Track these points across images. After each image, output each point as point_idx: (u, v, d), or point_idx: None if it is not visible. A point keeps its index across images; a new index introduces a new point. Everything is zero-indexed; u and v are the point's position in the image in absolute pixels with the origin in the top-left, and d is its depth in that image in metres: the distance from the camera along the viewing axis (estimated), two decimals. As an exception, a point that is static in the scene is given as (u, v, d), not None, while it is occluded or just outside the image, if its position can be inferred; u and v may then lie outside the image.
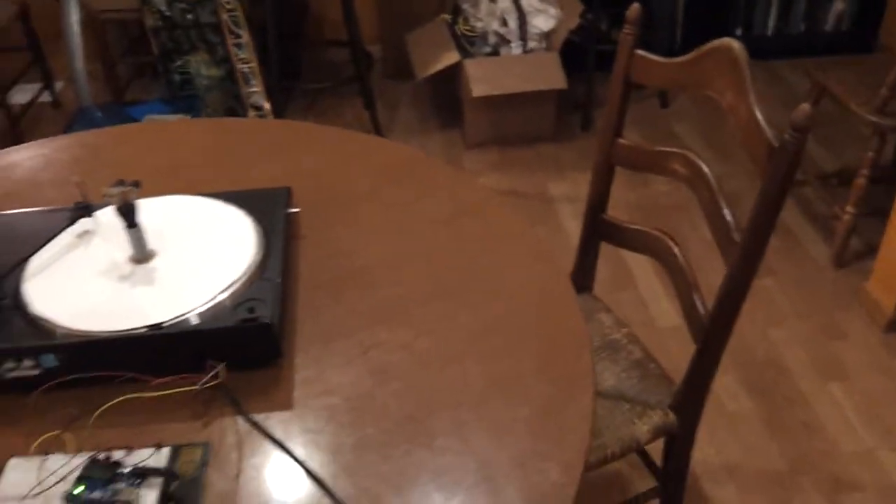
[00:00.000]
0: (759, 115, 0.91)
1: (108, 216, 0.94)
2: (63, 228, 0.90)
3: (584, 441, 0.71)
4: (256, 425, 0.74)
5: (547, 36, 2.53)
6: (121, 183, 0.84)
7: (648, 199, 2.41)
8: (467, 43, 2.60)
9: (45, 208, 0.97)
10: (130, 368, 0.76)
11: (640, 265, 2.13)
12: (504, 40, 2.54)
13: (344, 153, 1.17)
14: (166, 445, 0.71)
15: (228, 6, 2.38)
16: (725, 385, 1.78)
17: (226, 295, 0.82)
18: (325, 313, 0.87)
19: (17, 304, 0.83)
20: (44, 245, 0.89)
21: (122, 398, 0.74)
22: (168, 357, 0.77)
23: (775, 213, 0.90)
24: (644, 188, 2.46)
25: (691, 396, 1.07)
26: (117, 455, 0.70)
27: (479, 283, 0.91)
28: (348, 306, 0.88)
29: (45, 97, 2.98)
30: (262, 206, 0.96)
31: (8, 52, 2.75)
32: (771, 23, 3.17)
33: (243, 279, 0.84)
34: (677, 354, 1.75)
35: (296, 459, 0.71)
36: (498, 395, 0.77)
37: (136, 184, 0.84)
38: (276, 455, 0.72)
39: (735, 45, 0.96)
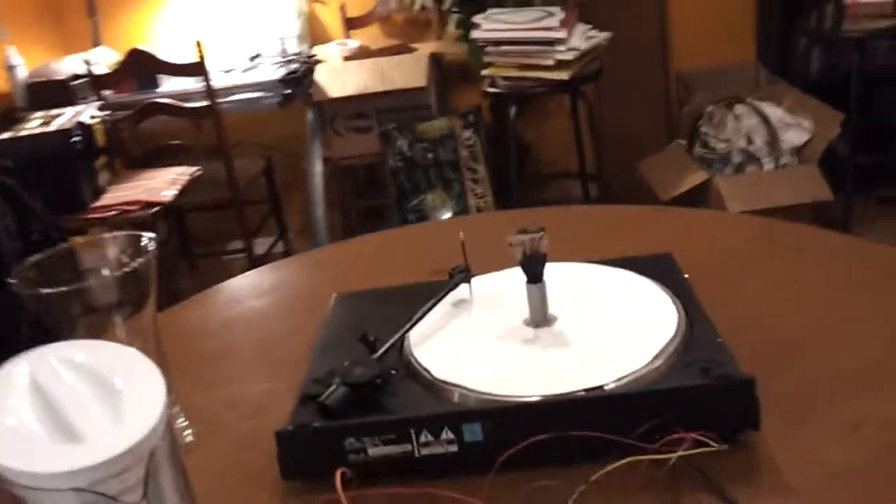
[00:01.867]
0: None
1: (481, 284, 0.83)
2: (446, 292, 0.80)
3: None
4: (755, 515, 0.56)
5: (799, 150, 2.36)
6: (525, 231, 0.73)
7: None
8: (706, 165, 2.47)
9: (412, 282, 0.88)
10: (566, 440, 0.61)
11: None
12: (752, 158, 2.40)
13: (689, 231, 1.04)
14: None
15: (468, 143, 2.40)
16: None
17: (667, 355, 0.67)
18: (770, 385, 0.69)
19: (412, 373, 0.71)
20: (427, 311, 0.78)
21: (611, 468, 0.57)
22: (613, 426, 0.61)
23: None
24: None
25: None
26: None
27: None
28: (795, 377, 0.70)
29: (279, 247, 3.10)
30: (652, 270, 0.82)
31: (253, 205, 2.90)
32: None
33: (678, 339, 0.69)
34: None
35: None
36: None
37: (543, 229, 0.72)
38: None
39: None
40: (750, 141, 2.40)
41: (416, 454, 0.64)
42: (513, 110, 2.23)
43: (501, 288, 0.83)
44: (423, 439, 0.63)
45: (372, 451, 0.64)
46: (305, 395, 0.70)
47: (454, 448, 0.63)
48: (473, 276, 0.82)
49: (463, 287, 0.83)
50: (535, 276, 0.73)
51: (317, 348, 0.79)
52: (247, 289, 1.09)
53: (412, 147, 2.43)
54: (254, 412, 0.79)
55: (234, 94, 2.54)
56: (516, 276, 0.84)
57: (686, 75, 2.86)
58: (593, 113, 2.34)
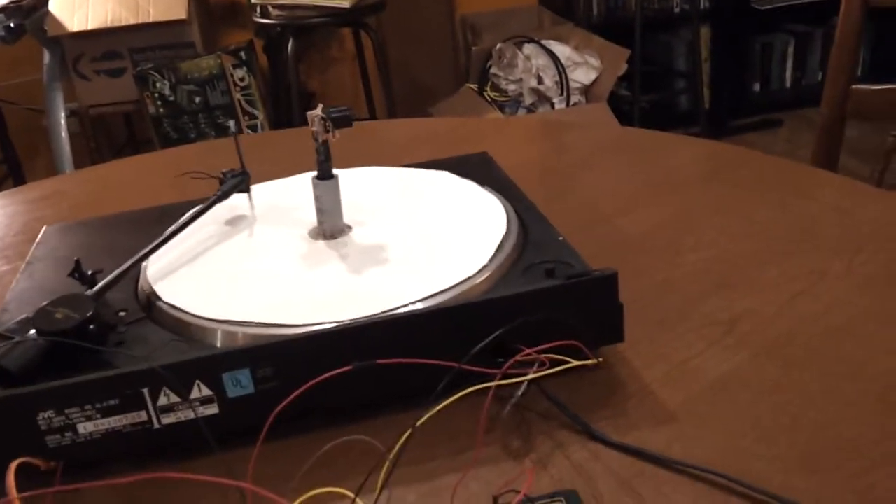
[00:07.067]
0: None
1: (266, 192, 0.63)
2: (211, 203, 0.58)
3: None
4: (635, 451, 0.41)
5: (588, 89, 2.34)
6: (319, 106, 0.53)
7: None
8: (497, 108, 2.39)
9: (166, 203, 0.66)
10: (370, 382, 0.43)
11: None
12: (543, 98, 2.34)
13: (500, 141, 0.89)
14: None
15: (242, 83, 2.12)
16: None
17: (500, 260, 0.51)
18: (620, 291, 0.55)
19: (155, 314, 0.50)
20: (180, 229, 0.56)
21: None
22: (437, 355, 0.43)
23: None
24: None
25: None
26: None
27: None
28: (646, 280, 0.57)
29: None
30: (468, 170, 0.65)
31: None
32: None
33: (511, 241, 0.53)
34: None
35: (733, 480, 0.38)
36: None
37: (349, 108, 0.53)
38: (682, 484, 0.39)
39: None
40: (540, 80, 2.34)
41: (156, 425, 0.43)
42: (290, 45, 1.99)
43: (295, 197, 0.63)
44: (162, 401, 0.42)
45: (84, 429, 0.42)
46: (-19, 358, 0.46)
47: (213, 409, 0.43)
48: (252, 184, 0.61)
49: (239, 199, 0.62)
50: (323, 173, 0.54)
51: (12, 294, 0.55)
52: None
53: (175, 90, 2.12)
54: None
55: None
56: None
57: (471, 18, 2.76)
58: (383, 50, 2.15)
